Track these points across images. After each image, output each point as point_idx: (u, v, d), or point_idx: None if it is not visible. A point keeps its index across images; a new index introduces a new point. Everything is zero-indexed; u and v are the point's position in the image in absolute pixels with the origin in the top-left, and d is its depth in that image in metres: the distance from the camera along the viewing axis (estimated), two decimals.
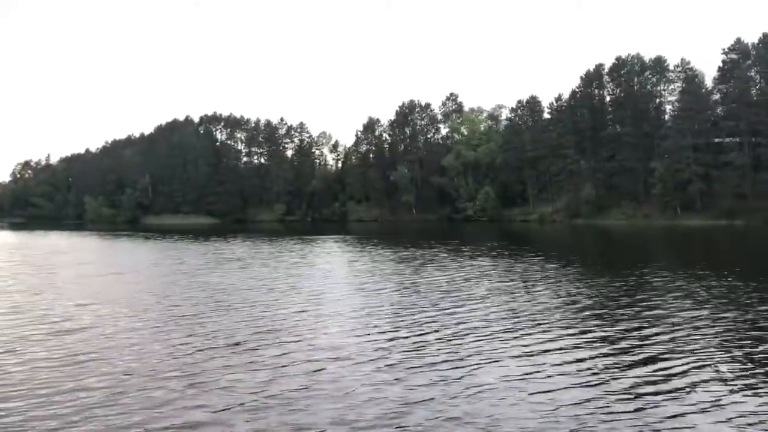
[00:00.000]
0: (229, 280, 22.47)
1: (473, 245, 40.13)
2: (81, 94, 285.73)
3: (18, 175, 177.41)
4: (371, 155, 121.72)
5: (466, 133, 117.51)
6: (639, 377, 9.43)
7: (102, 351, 11.66)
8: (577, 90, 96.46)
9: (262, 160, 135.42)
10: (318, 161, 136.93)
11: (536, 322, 13.62)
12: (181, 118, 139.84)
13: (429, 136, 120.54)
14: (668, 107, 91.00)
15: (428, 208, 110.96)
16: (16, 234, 74.29)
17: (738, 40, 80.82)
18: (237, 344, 12.01)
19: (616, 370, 9.87)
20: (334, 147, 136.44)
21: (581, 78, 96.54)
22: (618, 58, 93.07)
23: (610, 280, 20.67)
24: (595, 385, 9.12)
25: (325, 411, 8.26)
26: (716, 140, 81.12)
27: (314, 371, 10.04)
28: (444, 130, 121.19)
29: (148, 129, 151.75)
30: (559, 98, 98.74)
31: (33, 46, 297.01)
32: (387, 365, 10.31)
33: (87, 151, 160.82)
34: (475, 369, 9.98)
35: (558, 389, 8.88)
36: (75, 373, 10.16)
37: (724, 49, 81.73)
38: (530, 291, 18.43)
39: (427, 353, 11.04)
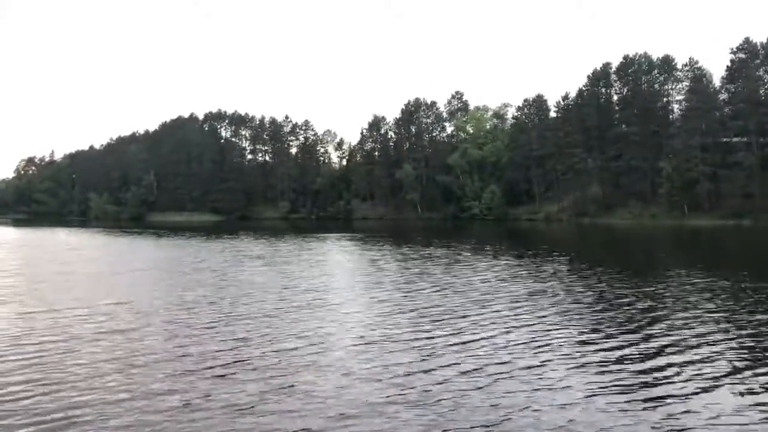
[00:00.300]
0: (261, 279, 22.22)
1: (491, 244, 40.01)
2: (84, 91, 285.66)
3: (22, 172, 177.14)
4: (376, 153, 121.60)
5: (471, 131, 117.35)
6: (746, 384, 9.19)
7: (161, 352, 11.41)
8: (584, 89, 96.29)
9: (267, 158, 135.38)
10: (322, 159, 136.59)
11: (596, 326, 13.36)
12: (186, 115, 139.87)
13: (434, 134, 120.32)
14: (676, 106, 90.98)
15: (433, 207, 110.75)
16: (23, 230, 73.80)
17: (746, 40, 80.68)
18: (296, 347, 11.73)
19: (725, 378, 9.51)
20: (339, 145, 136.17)
21: (588, 77, 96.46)
22: (625, 57, 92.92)
23: (651, 281, 20.41)
24: (697, 393, 8.81)
25: (417, 418, 7.99)
26: (724, 140, 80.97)
27: (390, 376, 9.78)
28: (449, 129, 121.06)
29: (153, 126, 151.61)
30: (566, 97, 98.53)
31: (36, 43, 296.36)
32: (466, 370, 10.03)
33: (91, 147, 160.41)
34: (559, 375, 9.73)
35: (657, 397, 8.62)
36: (143, 375, 9.92)
37: (732, 49, 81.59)
38: (573, 293, 18.16)
39: (502, 358, 10.75)
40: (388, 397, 8.80)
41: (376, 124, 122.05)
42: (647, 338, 12.15)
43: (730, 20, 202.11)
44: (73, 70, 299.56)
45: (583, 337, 12.21)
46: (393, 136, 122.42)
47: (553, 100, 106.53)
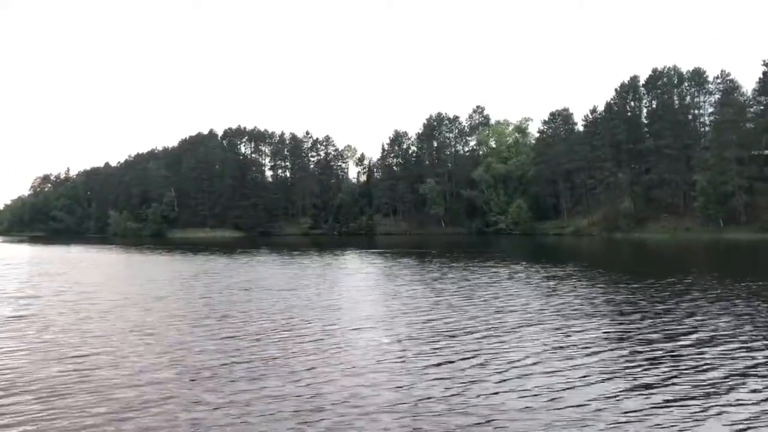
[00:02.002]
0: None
1: (551, 263, 37.82)
2: (98, 108, 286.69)
3: (38, 189, 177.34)
4: (395, 167, 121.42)
5: (494, 145, 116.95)
6: None
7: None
8: (612, 102, 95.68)
9: (287, 174, 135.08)
10: (343, 175, 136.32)
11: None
12: (205, 131, 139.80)
13: (457, 148, 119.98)
14: (708, 119, 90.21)
15: (457, 221, 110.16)
16: (56, 249, 70.44)
17: None
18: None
19: None
20: (360, 160, 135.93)
21: (616, 90, 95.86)
22: (654, 70, 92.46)
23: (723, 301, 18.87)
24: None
25: None
26: (754, 152, 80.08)
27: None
28: (471, 143, 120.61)
29: (171, 143, 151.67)
30: (594, 110, 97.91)
31: (52, 61, 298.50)
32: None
33: (107, 164, 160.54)
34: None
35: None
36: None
37: (764, 60, 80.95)
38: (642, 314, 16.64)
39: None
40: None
41: (397, 138, 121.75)
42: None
43: (759, 32, 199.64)
44: (86, 87, 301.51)
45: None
46: (415, 150, 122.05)
47: (574, 113, 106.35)
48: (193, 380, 9.98)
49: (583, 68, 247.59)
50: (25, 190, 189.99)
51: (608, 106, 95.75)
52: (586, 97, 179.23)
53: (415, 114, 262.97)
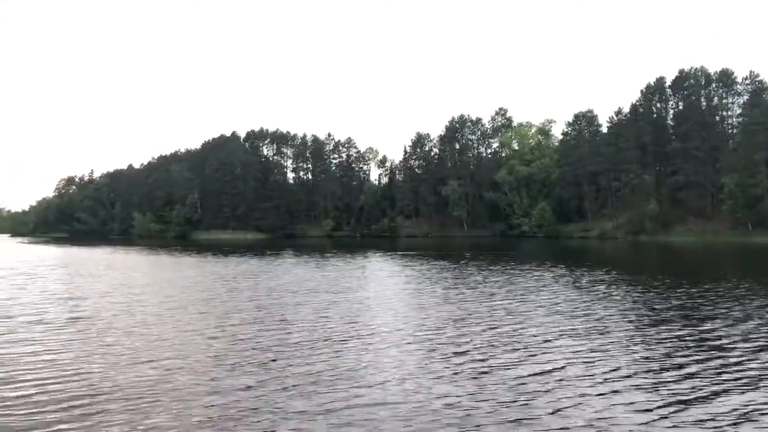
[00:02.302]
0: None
1: (589, 266, 37.17)
2: (122, 111, 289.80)
3: (62, 191, 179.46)
4: (419, 170, 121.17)
5: (517, 147, 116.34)
6: None
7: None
8: (637, 103, 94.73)
9: (310, 176, 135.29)
10: (365, 176, 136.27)
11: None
12: (228, 133, 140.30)
13: (480, 150, 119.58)
14: (736, 120, 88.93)
15: (479, 224, 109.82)
16: (83, 250, 70.92)
17: None
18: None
19: None
20: (382, 162, 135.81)
21: (642, 91, 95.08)
22: (681, 71, 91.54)
23: None
24: None
25: None
26: None
27: None
28: (494, 145, 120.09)
29: (194, 145, 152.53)
30: (619, 112, 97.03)
31: (76, 65, 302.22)
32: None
33: (130, 167, 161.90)
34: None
35: None
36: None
37: None
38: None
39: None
40: None
41: (420, 140, 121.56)
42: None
43: None
44: (111, 90, 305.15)
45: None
46: (437, 152, 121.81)
47: (599, 115, 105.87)
48: (281, 388, 9.72)
49: (608, 69, 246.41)
50: (49, 192, 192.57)
51: (633, 107, 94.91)
52: (611, 98, 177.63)
53: (438, 116, 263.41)
